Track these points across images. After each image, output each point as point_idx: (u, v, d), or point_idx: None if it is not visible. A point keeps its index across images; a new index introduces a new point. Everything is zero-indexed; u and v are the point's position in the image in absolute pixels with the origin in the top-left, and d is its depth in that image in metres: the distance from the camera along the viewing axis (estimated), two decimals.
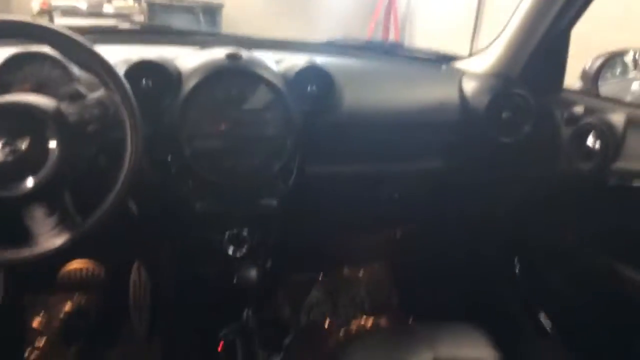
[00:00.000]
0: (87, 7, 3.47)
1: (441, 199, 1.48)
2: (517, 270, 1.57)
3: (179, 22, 3.70)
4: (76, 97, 0.88)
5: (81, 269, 1.61)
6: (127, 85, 0.88)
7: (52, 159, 0.81)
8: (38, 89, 0.96)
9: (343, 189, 1.35)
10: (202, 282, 1.31)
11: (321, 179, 1.29)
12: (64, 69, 1.01)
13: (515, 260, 1.56)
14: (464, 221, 1.63)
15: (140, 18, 3.57)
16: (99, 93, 0.89)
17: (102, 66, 0.87)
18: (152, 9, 3.66)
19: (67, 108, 0.86)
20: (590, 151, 1.22)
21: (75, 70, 1.02)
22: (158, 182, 1.12)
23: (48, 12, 3.39)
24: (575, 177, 1.27)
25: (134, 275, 1.61)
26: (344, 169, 1.31)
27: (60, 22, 3.25)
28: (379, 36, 4.44)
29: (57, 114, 0.83)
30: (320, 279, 1.95)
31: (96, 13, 3.45)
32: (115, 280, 1.65)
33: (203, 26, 3.80)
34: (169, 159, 1.11)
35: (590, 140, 1.22)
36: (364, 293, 1.98)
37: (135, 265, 1.60)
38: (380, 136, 1.32)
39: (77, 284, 1.65)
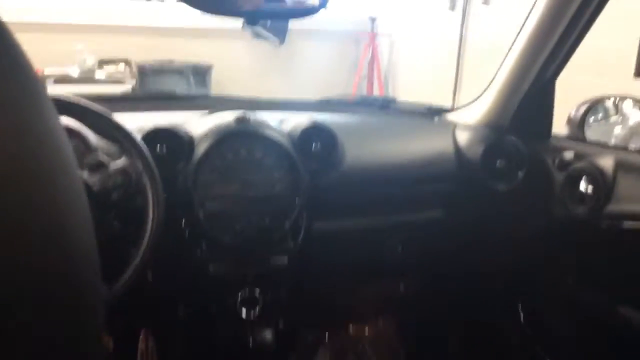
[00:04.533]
0: (79, 74, 3.53)
1: (443, 250, 1.51)
2: (521, 318, 1.59)
3: (170, 84, 3.79)
4: (98, 166, 0.92)
5: None
6: (148, 153, 0.92)
7: None
8: None
9: (348, 243, 1.38)
10: (214, 348, 1.31)
11: (327, 235, 1.32)
12: (83, 139, 1.05)
13: (519, 307, 1.59)
14: (466, 272, 1.65)
15: (132, 83, 3.65)
16: (121, 161, 0.92)
17: (124, 136, 0.91)
18: (142, 72, 3.76)
19: (90, 177, 0.89)
20: (583, 195, 1.27)
21: (93, 139, 1.06)
22: (172, 247, 1.14)
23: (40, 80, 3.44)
24: (570, 221, 1.31)
25: (141, 345, 1.59)
26: (348, 224, 1.35)
27: (54, 90, 3.31)
28: (363, 91, 4.58)
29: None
30: (326, 339, 1.94)
31: (89, 79, 3.50)
32: (123, 351, 1.63)
33: (193, 87, 3.90)
34: (183, 222, 1.14)
35: (582, 185, 1.27)
36: (371, 351, 1.97)
37: (142, 334, 1.59)
38: (381, 190, 1.36)
39: None
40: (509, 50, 1.40)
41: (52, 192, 0.30)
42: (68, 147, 0.32)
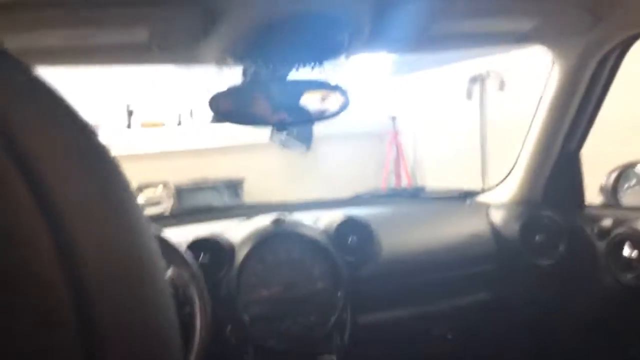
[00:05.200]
0: None
1: (495, 333, 1.46)
2: None
3: (205, 200, 3.92)
4: None
5: None
6: (195, 264, 0.96)
7: None
8: None
9: (396, 335, 1.35)
10: None
11: (374, 327, 1.30)
12: None
13: None
14: (521, 352, 1.58)
15: (169, 203, 3.79)
16: (168, 273, 0.96)
17: (170, 248, 0.96)
18: (180, 192, 3.93)
19: None
20: (628, 261, 1.24)
21: None
22: (219, 354, 1.14)
23: None
24: (620, 289, 1.27)
25: None
26: (393, 314, 1.33)
27: None
28: (392, 185, 4.65)
29: None
30: None
31: None
32: None
33: (227, 201, 4.02)
34: (228, 329, 1.15)
35: (626, 251, 1.25)
36: None
37: None
38: (422, 277, 1.35)
39: None
40: (529, 128, 1.44)
41: (144, 293, 0.32)
42: (158, 251, 0.35)
